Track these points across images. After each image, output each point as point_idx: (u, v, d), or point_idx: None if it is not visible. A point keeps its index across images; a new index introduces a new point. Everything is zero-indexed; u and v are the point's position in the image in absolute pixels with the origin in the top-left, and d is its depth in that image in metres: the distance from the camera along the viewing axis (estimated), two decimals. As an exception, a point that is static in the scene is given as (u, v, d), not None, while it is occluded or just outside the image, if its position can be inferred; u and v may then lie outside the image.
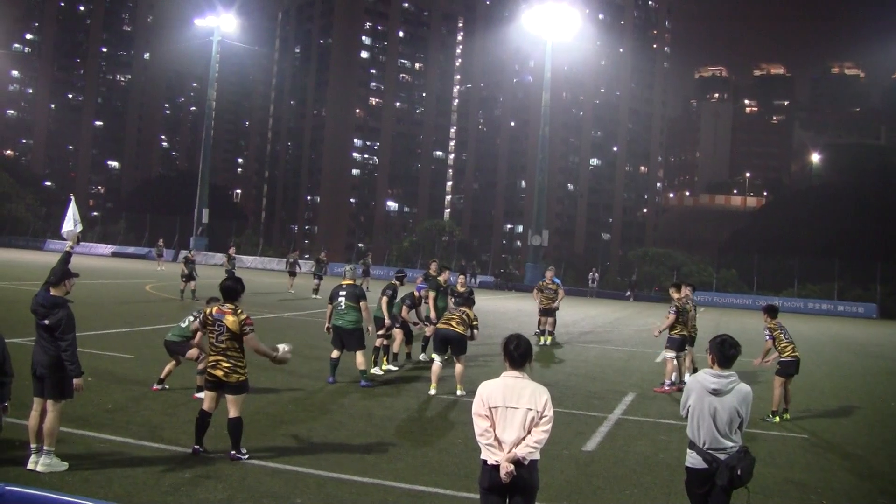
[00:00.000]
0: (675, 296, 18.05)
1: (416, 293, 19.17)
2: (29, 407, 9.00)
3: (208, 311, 9.79)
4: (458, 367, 15.25)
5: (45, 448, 8.75)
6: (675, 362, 17.61)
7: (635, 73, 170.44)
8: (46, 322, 8.80)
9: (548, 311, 24.81)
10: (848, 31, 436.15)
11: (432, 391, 15.11)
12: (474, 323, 15.64)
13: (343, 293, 15.57)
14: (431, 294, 19.06)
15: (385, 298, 17.61)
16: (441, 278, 19.89)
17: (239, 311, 9.63)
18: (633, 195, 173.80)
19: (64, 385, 8.91)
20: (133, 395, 12.92)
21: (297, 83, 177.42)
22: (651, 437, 12.74)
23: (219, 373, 9.60)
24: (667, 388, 17.38)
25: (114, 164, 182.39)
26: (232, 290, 9.81)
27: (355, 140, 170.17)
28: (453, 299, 17.85)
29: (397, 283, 18.57)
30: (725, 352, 7.01)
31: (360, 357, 15.43)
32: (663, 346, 18.30)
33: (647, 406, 15.54)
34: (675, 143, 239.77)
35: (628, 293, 65.13)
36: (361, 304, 15.49)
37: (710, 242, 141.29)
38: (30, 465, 8.70)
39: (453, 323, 15.24)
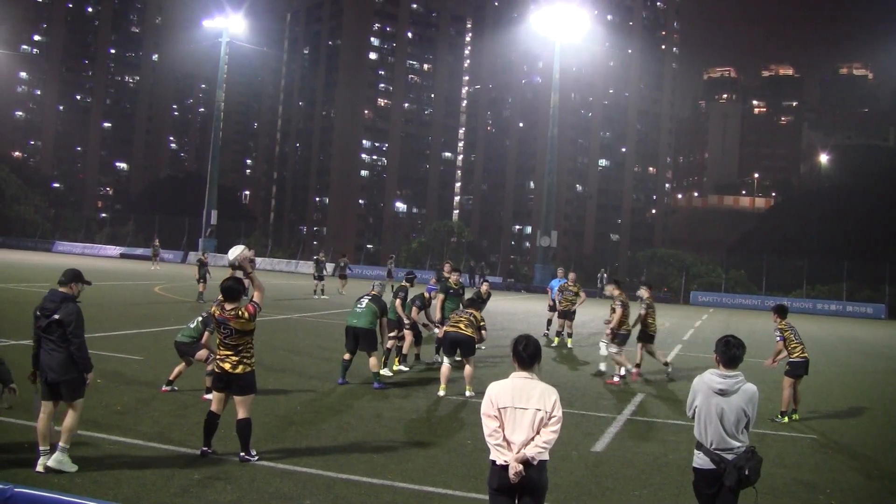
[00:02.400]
0: (616, 292, 18.75)
1: (427, 294, 19.24)
2: (35, 409, 9.01)
3: (216, 312, 9.78)
4: (468, 369, 15.30)
5: (60, 444, 8.77)
6: (618, 356, 18.22)
7: (644, 74, 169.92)
8: (57, 316, 8.81)
9: (566, 314, 24.75)
10: (856, 32, 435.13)
11: (441, 392, 15.16)
12: (482, 324, 15.71)
13: (368, 297, 15.86)
14: (440, 296, 19.01)
15: (399, 301, 17.90)
16: (451, 280, 19.81)
17: (240, 311, 9.63)
18: (642, 196, 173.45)
19: (77, 385, 8.96)
20: (142, 396, 12.96)
21: (305, 84, 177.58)
22: (660, 437, 12.76)
23: (226, 365, 9.63)
24: (616, 380, 17.77)
25: (122, 165, 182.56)
26: (233, 290, 9.76)
27: (364, 141, 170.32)
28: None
29: (408, 284, 18.77)
30: (730, 352, 7.01)
31: (373, 359, 15.49)
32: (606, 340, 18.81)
33: (655, 407, 15.57)
34: (683, 143, 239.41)
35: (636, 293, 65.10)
36: (383, 319, 15.80)
37: (718, 243, 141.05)
38: (38, 468, 8.73)
39: (461, 325, 15.30)
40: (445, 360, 15.54)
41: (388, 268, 60.07)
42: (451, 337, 15.33)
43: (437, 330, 18.10)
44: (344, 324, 16.06)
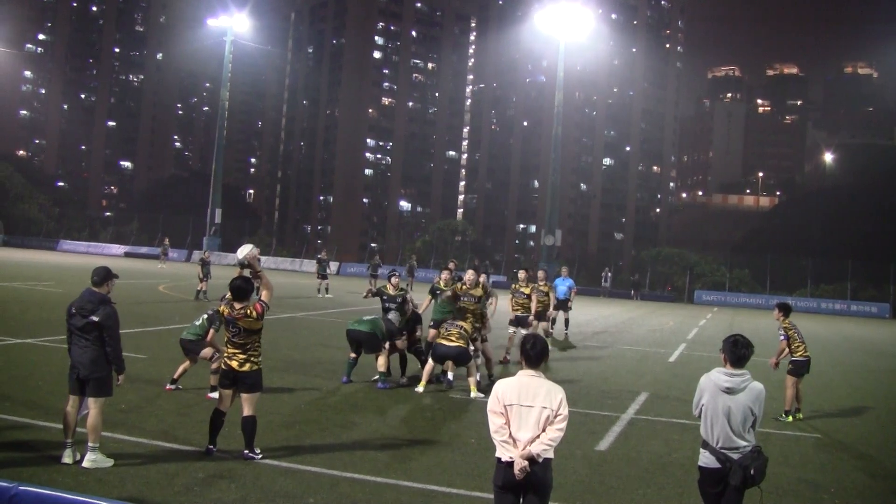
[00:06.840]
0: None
1: None
2: (40, 408, 9.02)
3: (225, 311, 9.78)
4: (470, 378, 15.27)
5: (89, 444, 8.91)
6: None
7: (648, 73, 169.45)
8: (96, 319, 9.04)
9: (539, 315, 23.22)
10: (861, 31, 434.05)
11: (419, 389, 15.21)
12: (474, 336, 15.70)
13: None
14: (426, 298, 18.23)
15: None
16: (441, 280, 18.42)
17: (249, 310, 9.64)
18: (646, 195, 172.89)
19: (105, 383, 9.17)
20: (146, 395, 12.96)
21: (310, 83, 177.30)
22: (664, 436, 12.74)
23: (234, 363, 9.67)
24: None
25: (127, 164, 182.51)
26: (242, 289, 9.78)
27: (368, 140, 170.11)
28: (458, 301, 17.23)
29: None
30: (738, 351, 7.00)
31: (380, 359, 15.46)
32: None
33: (660, 406, 15.54)
34: (688, 142, 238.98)
35: (632, 292, 65.07)
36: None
37: (723, 242, 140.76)
38: (65, 459, 8.87)
39: (452, 338, 15.20)
40: (430, 359, 15.50)
41: (408, 264, 60.82)
42: (441, 352, 15.23)
43: (430, 332, 17.89)
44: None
